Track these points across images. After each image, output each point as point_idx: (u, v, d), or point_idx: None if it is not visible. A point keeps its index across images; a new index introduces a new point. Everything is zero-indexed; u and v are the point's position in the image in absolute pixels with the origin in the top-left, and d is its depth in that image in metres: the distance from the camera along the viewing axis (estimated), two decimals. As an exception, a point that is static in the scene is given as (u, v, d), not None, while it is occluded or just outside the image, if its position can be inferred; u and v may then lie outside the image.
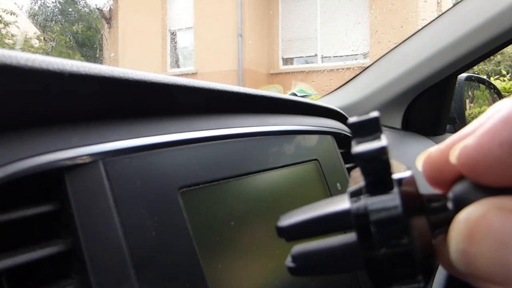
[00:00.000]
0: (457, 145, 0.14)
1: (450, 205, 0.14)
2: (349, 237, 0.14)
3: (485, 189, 0.13)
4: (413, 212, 0.14)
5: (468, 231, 0.13)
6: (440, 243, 0.15)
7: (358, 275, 0.40)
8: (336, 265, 0.15)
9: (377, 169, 0.14)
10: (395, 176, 0.14)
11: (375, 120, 0.14)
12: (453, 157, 0.14)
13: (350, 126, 0.14)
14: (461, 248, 0.13)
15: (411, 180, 0.14)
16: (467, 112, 1.30)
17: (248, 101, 0.37)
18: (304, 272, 0.16)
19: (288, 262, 0.16)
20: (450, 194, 0.14)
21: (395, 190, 0.13)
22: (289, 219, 0.15)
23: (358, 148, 0.14)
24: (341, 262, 0.15)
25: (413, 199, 0.14)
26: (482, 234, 0.12)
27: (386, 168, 0.14)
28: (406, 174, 0.14)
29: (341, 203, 0.14)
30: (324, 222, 0.15)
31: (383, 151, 0.13)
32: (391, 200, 0.13)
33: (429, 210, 0.14)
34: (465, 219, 0.13)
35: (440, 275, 0.73)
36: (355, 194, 0.14)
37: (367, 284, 0.41)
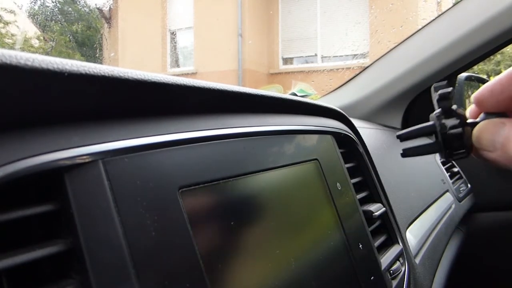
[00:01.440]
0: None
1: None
2: (431, 141, 0.31)
3: (491, 115, 0.29)
4: (464, 124, 0.29)
5: (480, 129, 0.28)
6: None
7: (357, 273, 0.40)
8: (428, 149, 0.31)
9: (447, 103, 0.29)
10: (455, 107, 0.29)
11: (445, 84, 0.30)
12: (472, 98, 0.29)
13: (435, 87, 0.30)
14: (476, 135, 0.28)
15: (462, 111, 0.29)
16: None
17: (248, 101, 0.37)
18: (409, 154, 0.32)
19: (401, 153, 0.32)
20: (478, 119, 0.30)
21: (456, 115, 0.29)
22: (405, 131, 0.32)
23: (439, 92, 0.29)
24: (430, 147, 0.31)
25: (463, 119, 0.29)
26: (486, 130, 0.28)
27: (451, 103, 0.29)
28: (460, 108, 0.30)
29: (430, 123, 0.31)
30: (424, 129, 0.31)
31: (451, 92, 0.29)
32: (456, 119, 0.29)
33: (469, 124, 0.29)
34: (480, 124, 0.28)
35: (441, 273, 0.73)
36: (436, 115, 0.30)
37: (367, 283, 0.41)
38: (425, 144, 0.31)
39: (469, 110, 0.31)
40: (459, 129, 0.28)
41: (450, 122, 0.29)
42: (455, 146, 0.29)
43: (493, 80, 0.27)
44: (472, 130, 0.29)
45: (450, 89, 0.28)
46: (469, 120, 0.29)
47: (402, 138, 0.32)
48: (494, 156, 0.27)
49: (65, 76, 0.22)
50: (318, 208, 0.38)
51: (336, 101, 1.09)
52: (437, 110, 0.29)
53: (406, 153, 0.32)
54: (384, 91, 1.02)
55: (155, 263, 0.23)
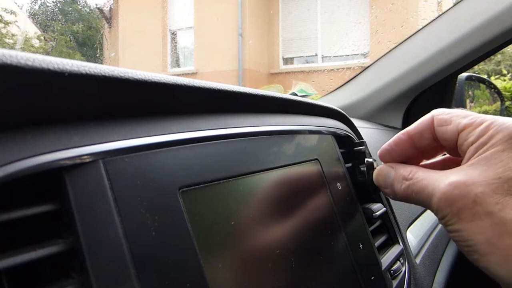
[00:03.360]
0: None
1: None
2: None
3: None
4: (371, 170, 0.43)
5: (377, 172, 0.37)
6: None
7: (357, 273, 0.40)
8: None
9: (363, 155, 0.47)
10: (367, 159, 0.45)
11: (362, 142, 0.49)
12: (377, 154, 0.38)
13: (354, 143, 0.50)
14: (375, 177, 0.38)
15: (371, 162, 0.44)
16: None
17: (248, 101, 0.37)
18: None
19: None
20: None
21: (365, 164, 0.45)
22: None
23: (355, 148, 0.49)
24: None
25: (370, 166, 0.44)
26: (380, 173, 0.37)
27: (365, 155, 0.47)
28: (370, 159, 0.45)
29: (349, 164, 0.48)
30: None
31: (364, 147, 0.48)
32: (364, 167, 0.45)
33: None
34: (377, 169, 0.38)
35: (442, 273, 0.73)
36: (354, 162, 0.48)
37: (367, 283, 0.41)
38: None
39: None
40: (365, 174, 0.44)
41: (360, 167, 0.46)
42: (361, 184, 0.45)
43: (388, 142, 0.36)
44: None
45: (363, 147, 0.47)
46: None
47: None
48: (388, 191, 0.36)
49: (65, 76, 0.22)
50: (318, 208, 0.38)
51: (336, 101, 1.09)
52: (355, 161, 0.46)
53: None
54: (384, 91, 1.02)
55: (155, 263, 0.23)
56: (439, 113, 0.34)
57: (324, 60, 7.26)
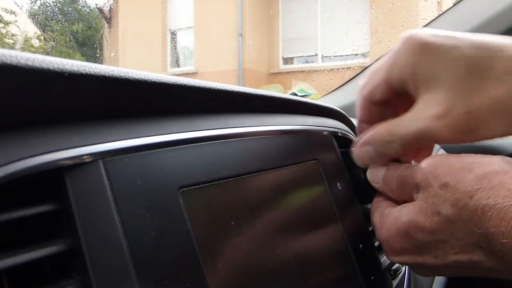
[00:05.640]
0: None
1: None
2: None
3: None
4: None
5: None
6: None
7: (358, 273, 0.40)
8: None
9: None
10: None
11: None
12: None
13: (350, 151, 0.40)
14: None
15: None
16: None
17: (248, 101, 0.37)
18: None
19: None
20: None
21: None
22: None
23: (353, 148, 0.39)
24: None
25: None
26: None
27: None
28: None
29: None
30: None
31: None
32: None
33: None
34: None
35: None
36: (354, 164, 0.40)
37: (367, 283, 0.41)
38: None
39: None
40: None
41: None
42: (361, 184, 0.43)
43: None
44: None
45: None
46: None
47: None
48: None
49: (65, 76, 0.22)
50: (318, 208, 0.38)
51: (336, 101, 1.09)
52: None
53: None
54: (384, 91, 1.02)
55: (155, 263, 0.23)
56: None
57: (324, 60, 7.26)
